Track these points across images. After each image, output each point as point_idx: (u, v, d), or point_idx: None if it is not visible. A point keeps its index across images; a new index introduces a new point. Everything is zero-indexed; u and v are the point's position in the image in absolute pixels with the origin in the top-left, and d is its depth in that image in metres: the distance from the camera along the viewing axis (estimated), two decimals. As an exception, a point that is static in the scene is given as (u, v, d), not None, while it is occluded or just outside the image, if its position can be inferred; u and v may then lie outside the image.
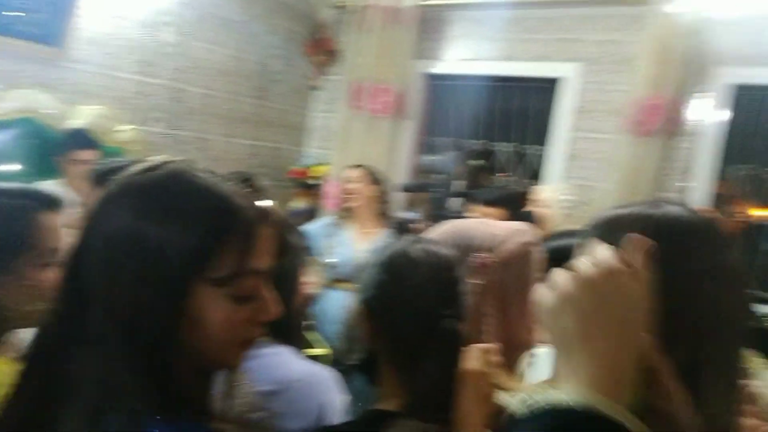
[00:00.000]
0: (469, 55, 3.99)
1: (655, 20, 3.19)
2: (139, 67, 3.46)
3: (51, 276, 0.99)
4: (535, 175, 3.81)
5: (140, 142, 3.42)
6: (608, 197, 3.21)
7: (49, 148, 2.92)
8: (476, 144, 4.07)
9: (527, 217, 3.20)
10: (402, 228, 2.81)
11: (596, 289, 0.59)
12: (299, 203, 4.26)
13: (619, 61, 3.45)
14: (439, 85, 4.24)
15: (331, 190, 4.14)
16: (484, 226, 1.23)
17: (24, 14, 2.89)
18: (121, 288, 0.64)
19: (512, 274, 1.14)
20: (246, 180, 2.67)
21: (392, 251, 1.06)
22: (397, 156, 4.09)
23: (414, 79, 4.11)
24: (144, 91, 3.52)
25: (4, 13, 2.83)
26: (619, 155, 3.29)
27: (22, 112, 2.91)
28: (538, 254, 1.20)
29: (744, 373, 0.77)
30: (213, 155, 3.98)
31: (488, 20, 3.86)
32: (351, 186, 3.20)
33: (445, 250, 1.07)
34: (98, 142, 2.98)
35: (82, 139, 2.90)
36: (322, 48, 4.44)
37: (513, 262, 1.14)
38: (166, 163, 0.74)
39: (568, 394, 0.53)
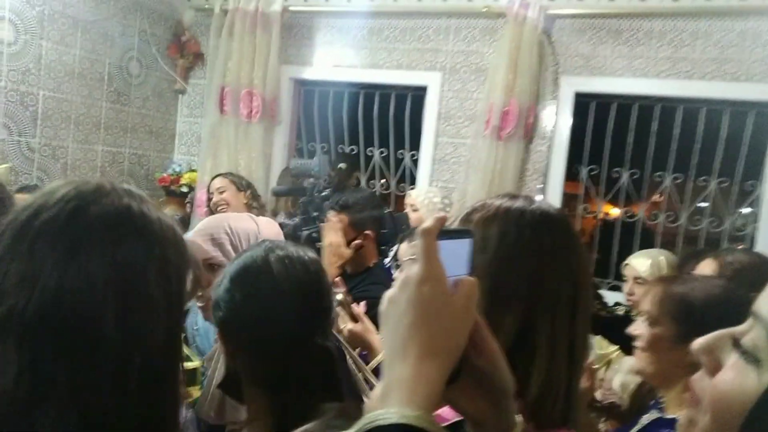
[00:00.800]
0: (336, 61, 4.03)
1: (509, 32, 3.42)
2: (-26, 67, 3.13)
3: None
4: (411, 179, 3.94)
5: (-22, 150, 3.10)
6: (471, 198, 3.40)
7: None
8: (347, 149, 4.12)
9: (394, 219, 3.33)
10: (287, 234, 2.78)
11: (395, 304, 0.58)
12: (171, 212, 4.06)
13: (476, 70, 3.66)
14: (309, 91, 4.24)
15: (201, 197, 3.99)
16: (259, 220, 1.48)
17: None
18: None
19: None
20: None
21: (245, 263, 0.98)
22: (270, 161, 4.04)
23: (283, 85, 4.08)
24: (-19, 95, 3.18)
25: None
26: (479, 158, 3.49)
27: None
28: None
29: (586, 351, 0.86)
30: (69, 163, 3.68)
31: (351, 28, 3.93)
32: (218, 197, 3.15)
33: (310, 256, 1.02)
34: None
35: None
36: (187, 51, 4.28)
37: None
38: None
39: (388, 412, 0.51)
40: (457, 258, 0.62)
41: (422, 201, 3.21)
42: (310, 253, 1.02)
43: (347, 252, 2.23)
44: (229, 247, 1.40)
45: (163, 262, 0.68)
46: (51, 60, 3.50)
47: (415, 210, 3.22)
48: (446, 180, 3.74)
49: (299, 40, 4.07)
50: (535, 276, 0.80)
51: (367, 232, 2.38)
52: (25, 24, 3.34)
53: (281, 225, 3.42)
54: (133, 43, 4.02)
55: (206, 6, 4.13)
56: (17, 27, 3.30)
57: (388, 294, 0.59)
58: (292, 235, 2.43)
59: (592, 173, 3.64)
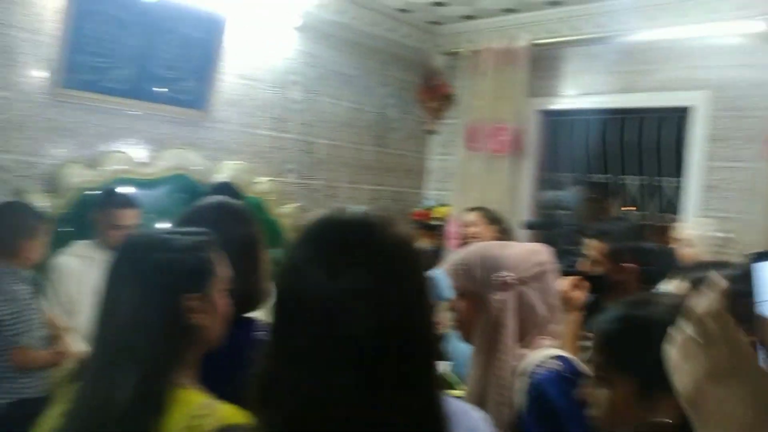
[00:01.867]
0: (584, 89, 3.95)
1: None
2: (272, 123, 3.75)
3: (226, 302, 1.11)
4: (672, 209, 3.63)
5: (276, 192, 3.67)
6: (753, 230, 3.00)
7: (198, 200, 3.21)
8: (600, 178, 3.97)
9: (661, 253, 3.06)
10: None
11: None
12: (423, 244, 4.33)
13: (752, 85, 3.26)
14: (555, 121, 4.21)
15: (453, 230, 4.18)
16: (507, 248, 1.42)
17: (174, 84, 3.24)
18: None
19: (535, 290, 1.35)
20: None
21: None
22: (518, 194, 4.07)
23: (530, 117, 4.11)
24: (277, 145, 3.79)
25: (156, 84, 3.18)
26: (761, 184, 3.08)
27: (175, 170, 3.24)
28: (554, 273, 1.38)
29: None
30: (340, 201, 4.17)
31: (601, 54, 3.81)
32: (470, 230, 3.20)
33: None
34: (240, 193, 3.24)
35: (226, 191, 3.16)
36: (436, 94, 4.57)
37: (534, 280, 1.35)
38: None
39: None
40: None
41: (698, 235, 2.91)
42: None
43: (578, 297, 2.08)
44: (477, 275, 1.42)
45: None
46: (327, 113, 4.04)
47: (688, 245, 2.93)
48: (720, 209, 3.35)
49: (546, 71, 4.08)
50: None
51: (625, 264, 2.24)
52: (310, 84, 3.91)
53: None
54: (392, 91, 4.44)
55: (455, 50, 4.37)
56: (303, 87, 3.88)
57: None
58: None
59: None
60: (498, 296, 1.35)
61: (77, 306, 2.60)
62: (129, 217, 2.65)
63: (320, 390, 0.70)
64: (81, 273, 2.62)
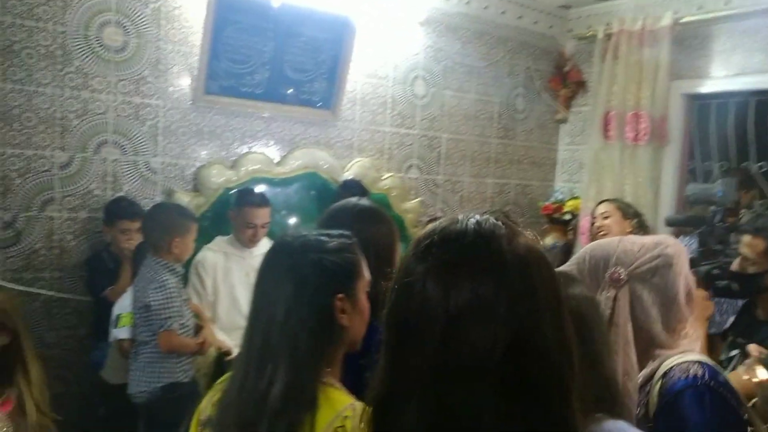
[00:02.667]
0: (739, 69, 3.55)
1: None
2: (396, 120, 3.78)
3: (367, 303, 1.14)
4: None
5: (400, 188, 3.70)
6: None
7: (328, 197, 3.32)
8: (755, 167, 3.56)
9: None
10: None
11: None
12: (552, 240, 4.16)
13: None
14: (703, 105, 3.83)
15: (585, 224, 3.97)
16: (626, 242, 1.30)
17: (304, 85, 3.36)
18: None
19: (650, 287, 1.22)
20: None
21: None
22: (659, 186, 3.76)
23: (673, 102, 3.78)
24: (401, 142, 3.82)
25: (288, 86, 3.32)
26: None
27: (306, 168, 3.38)
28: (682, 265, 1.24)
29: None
30: (463, 196, 4.12)
31: (761, 30, 3.40)
32: (601, 223, 2.99)
33: None
34: (367, 190, 3.30)
35: (354, 188, 3.23)
36: (567, 81, 4.36)
37: (648, 276, 1.22)
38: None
39: None
40: None
41: None
42: None
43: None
44: (585, 272, 1.32)
45: None
46: (452, 106, 3.99)
47: None
48: None
49: (692, 51, 3.72)
50: None
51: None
52: (434, 78, 3.89)
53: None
54: (519, 80, 4.29)
55: (588, 33, 4.13)
56: (427, 82, 3.87)
57: None
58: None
59: None
60: (607, 293, 1.24)
61: (218, 297, 2.81)
62: (261, 216, 2.80)
63: (444, 408, 0.67)
64: (222, 267, 2.82)
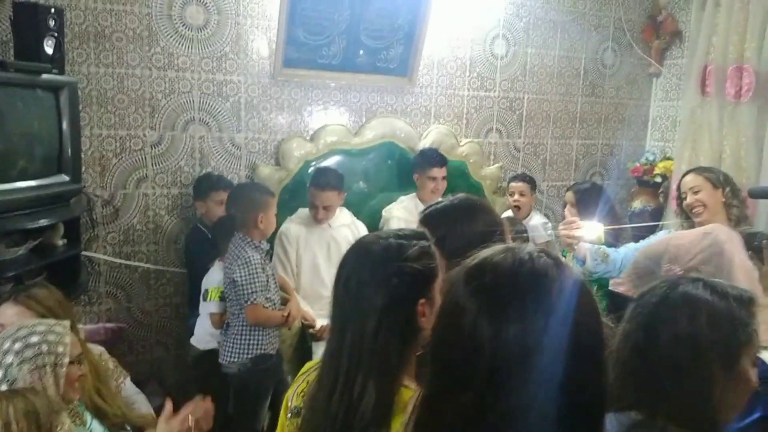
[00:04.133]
0: None
1: None
2: (474, 83, 3.67)
3: None
4: None
5: (479, 153, 3.63)
6: None
7: (406, 166, 3.32)
8: None
9: None
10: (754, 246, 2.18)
11: None
12: (641, 204, 3.97)
13: None
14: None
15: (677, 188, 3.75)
16: (675, 238, 1.34)
17: (381, 53, 3.31)
18: None
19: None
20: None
21: None
22: (764, 149, 3.46)
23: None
24: (480, 105, 3.71)
25: (365, 55, 3.29)
26: None
27: (383, 138, 3.37)
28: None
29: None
30: (546, 159, 3.99)
31: None
32: (693, 198, 2.72)
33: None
34: (445, 158, 3.26)
35: (432, 157, 3.21)
36: (661, 31, 4.05)
37: (703, 266, 1.23)
38: None
39: None
40: None
41: None
42: None
43: None
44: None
45: None
46: (534, 65, 3.82)
47: None
48: None
49: (808, -6, 3.34)
50: None
51: None
52: (515, 36, 3.73)
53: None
54: (608, 33, 4.03)
55: (686, -21, 3.80)
56: (508, 40, 3.71)
57: None
58: (751, 245, 1.87)
59: None
60: None
61: (301, 268, 2.90)
62: (323, 199, 2.80)
63: None
64: (303, 237, 2.91)
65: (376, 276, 1.07)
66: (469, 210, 1.44)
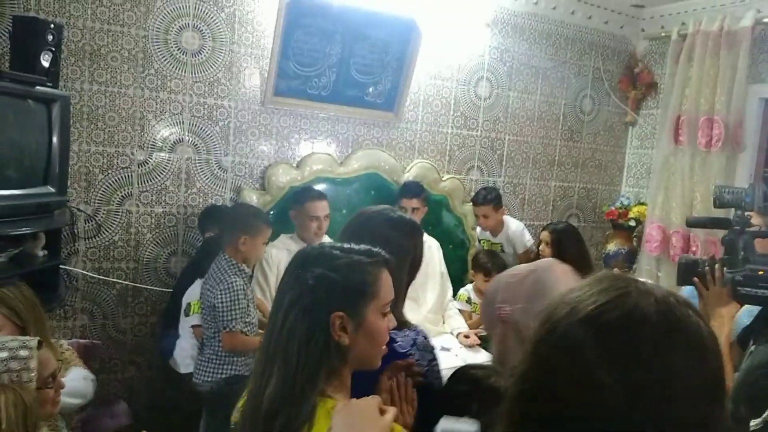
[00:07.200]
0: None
1: None
2: (458, 121, 3.78)
3: (387, 324, 1.11)
4: None
5: (460, 189, 3.72)
6: None
7: (388, 197, 3.38)
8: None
9: None
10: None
11: None
12: (616, 246, 4.07)
13: None
14: (784, 111, 3.65)
15: (651, 232, 3.87)
16: (506, 276, 1.29)
17: (368, 87, 3.42)
18: None
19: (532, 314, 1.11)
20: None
21: None
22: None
23: (749, 107, 3.61)
24: (462, 143, 3.82)
25: (353, 89, 3.39)
26: None
27: (367, 169, 3.44)
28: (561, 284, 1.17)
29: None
30: (525, 199, 4.09)
31: None
32: None
33: None
34: (426, 191, 3.34)
35: (413, 189, 3.28)
36: (637, 82, 4.23)
37: (528, 305, 1.17)
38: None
39: None
40: None
41: None
42: None
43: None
44: None
45: None
46: (516, 108, 3.96)
47: None
48: None
49: (773, 54, 3.55)
50: None
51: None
52: (498, 79, 3.87)
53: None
54: (587, 81, 4.21)
55: (662, 34, 4.00)
56: (492, 83, 3.85)
57: None
58: (695, 271, 1.87)
59: None
60: (497, 331, 1.28)
61: (281, 293, 2.91)
62: (322, 208, 2.86)
63: None
64: (285, 262, 2.89)
65: (297, 274, 1.07)
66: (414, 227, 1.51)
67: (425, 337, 1.40)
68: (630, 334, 0.61)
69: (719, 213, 2.57)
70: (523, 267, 1.32)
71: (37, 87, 2.32)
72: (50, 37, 2.37)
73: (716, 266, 1.73)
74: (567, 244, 3.17)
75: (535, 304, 1.27)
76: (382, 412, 0.96)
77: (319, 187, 3.23)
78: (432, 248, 3.24)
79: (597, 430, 0.60)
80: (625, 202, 4.16)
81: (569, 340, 0.62)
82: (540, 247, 3.28)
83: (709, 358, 0.62)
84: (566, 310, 0.64)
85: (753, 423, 1.53)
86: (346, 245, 1.14)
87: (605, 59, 4.24)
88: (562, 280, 1.25)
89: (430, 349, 1.39)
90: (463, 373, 1.30)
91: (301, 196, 2.96)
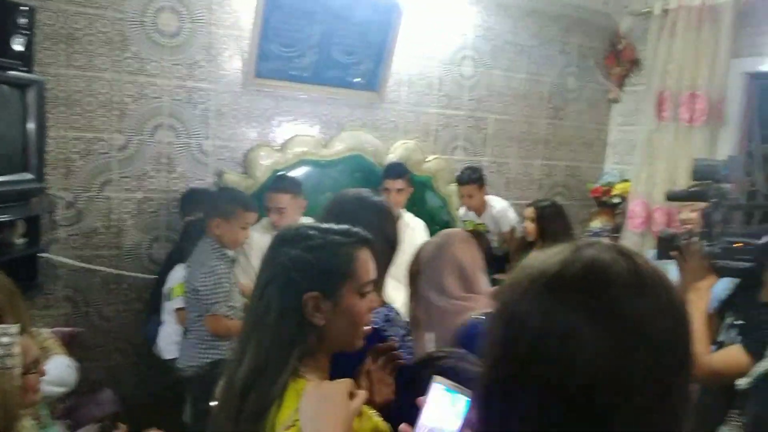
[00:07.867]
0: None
1: None
2: (442, 101, 3.76)
3: (369, 305, 1.11)
4: None
5: (445, 169, 3.71)
6: None
7: (373, 179, 3.37)
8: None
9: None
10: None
11: None
12: (600, 223, 4.09)
13: None
14: (765, 85, 3.65)
15: (634, 208, 3.88)
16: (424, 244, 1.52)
17: (352, 68, 3.38)
18: None
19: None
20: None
21: None
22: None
23: (732, 82, 3.62)
24: (446, 123, 3.80)
25: (336, 69, 3.35)
26: None
27: (351, 150, 3.42)
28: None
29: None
30: (510, 178, 4.09)
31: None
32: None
33: None
34: (410, 172, 3.32)
35: (397, 170, 3.26)
36: (621, 59, 4.22)
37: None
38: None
39: None
40: None
41: None
42: None
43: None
44: None
45: None
46: (500, 86, 3.94)
47: None
48: None
49: (755, 28, 3.54)
50: None
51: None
52: (482, 58, 3.84)
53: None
54: (571, 59, 4.19)
55: (645, 10, 3.98)
56: (476, 61, 3.83)
57: None
58: (673, 245, 1.83)
59: None
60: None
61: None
62: (276, 200, 2.78)
63: None
64: (267, 246, 2.90)
65: (273, 255, 1.08)
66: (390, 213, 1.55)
67: (398, 313, 1.42)
68: (596, 282, 0.60)
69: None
70: (433, 237, 1.45)
71: (10, 72, 2.27)
72: (22, 20, 2.31)
73: (693, 239, 1.74)
74: (551, 221, 3.19)
75: (431, 270, 1.41)
76: (352, 395, 0.96)
77: (303, 169, 3.22)
78: (416, 229, 3.23)
79: (583, 385, 0.58)
80: (609, 180, 4.17)
81: (541, 303, 0.61)
82: (525, 224, 3.29)
83: (674, 298, 0.62)
84: (533, 274, 0.63)
85: (740, 381, 1.54)
86: (324, 225, 1.13)
87: (589, 36, 4.23)
88: (459, 247, 1.41)
89: (404, 325, 1.42)
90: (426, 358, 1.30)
91: (271, 183, 2.92)
